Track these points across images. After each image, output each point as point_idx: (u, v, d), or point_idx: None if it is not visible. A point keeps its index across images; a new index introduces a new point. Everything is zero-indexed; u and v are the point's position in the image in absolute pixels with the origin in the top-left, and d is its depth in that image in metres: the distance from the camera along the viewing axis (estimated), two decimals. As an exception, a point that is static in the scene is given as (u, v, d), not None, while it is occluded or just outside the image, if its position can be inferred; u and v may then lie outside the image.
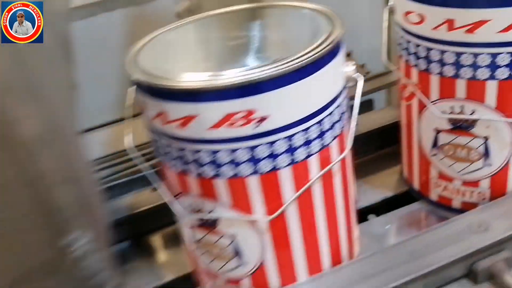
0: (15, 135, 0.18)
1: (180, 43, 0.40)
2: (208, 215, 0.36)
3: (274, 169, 0.33)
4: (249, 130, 0.32)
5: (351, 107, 0.37)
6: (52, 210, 0.15)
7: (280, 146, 0.33)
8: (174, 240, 0.50)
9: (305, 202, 0.36)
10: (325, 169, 0.35)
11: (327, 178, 0.36)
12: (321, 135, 0.34)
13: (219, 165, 0.33)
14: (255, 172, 0.33)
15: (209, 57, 0.39)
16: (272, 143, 0.32)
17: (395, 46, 0.48)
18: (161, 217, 0.52)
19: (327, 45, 0.33)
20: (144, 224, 0.52)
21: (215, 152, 0.33)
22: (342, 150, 0.37)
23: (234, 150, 0.32)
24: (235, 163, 0.33)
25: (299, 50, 0.32)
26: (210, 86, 0.31)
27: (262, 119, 0.31)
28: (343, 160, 0.37)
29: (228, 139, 0.32)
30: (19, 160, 0.16)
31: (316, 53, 0.32)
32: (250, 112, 0.31)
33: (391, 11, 0.46)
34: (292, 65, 0.31)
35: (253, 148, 0.32)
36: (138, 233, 0.52)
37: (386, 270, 0.38)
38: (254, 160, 0.33)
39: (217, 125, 0.31)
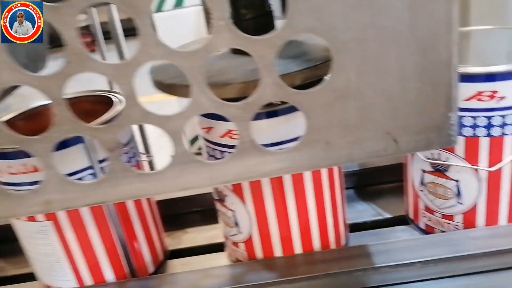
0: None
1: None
2: (443, 163, 0.53)
3: (502, 134, 0.49)
4: (490, 104, 0.48)
5: None
6: (451, 98, 0.33)
7: (510, 119, 0.48)
8: (391, 193, 0.68)
9: (518, 164, 0.50)
10: (539, 142, 0.50)
11: (537, 150, 0.50)
12: (539, 117, 0.49)
13: (463, 127, 0.50)
14: (487, 135, 0.49)
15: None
16: (504, 116, 0.48)
17: None
18: (382, 176, 0.70)
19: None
20: (369, 178, 0.71)
21: (461, 117, 0.49)
22: (552, 132, 0.51)
23: (475, 117, 0.49)
24: (474, 126, 0.49)
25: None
26: (469, 72, 0.48)
27: (501, 98, 0.47)
28: (551, 140, 0.51)
29: (472, 109, 0.48)
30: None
31: (546, 59, 0.47)
32: (494, 92, 0.47)
33: None
34: (528, 65, 0.46)
35: (489, 117, 0.48)
36: (364, 184, 0.71)
37: None
38: (489, 126, 0.49)
39: (469, 99, 0.48)
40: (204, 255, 0.65)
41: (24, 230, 0.53)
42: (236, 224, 0.55)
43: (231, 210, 0.55)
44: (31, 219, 0.51)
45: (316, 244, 0.55)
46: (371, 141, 0.33)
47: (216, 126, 0.49)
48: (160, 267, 0.62)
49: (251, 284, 0.51)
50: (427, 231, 0.59)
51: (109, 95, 0.59)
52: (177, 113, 0.32)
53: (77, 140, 0.49)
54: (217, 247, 0.65)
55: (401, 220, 0.64)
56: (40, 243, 0.53)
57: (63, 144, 0.48)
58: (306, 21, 0.29)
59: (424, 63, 0.30)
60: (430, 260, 0.50)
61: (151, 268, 0.60)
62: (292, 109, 0.46)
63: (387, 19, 0.29)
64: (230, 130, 0.48)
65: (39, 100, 0.59)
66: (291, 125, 0.47)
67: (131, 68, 0.30)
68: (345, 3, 0.29)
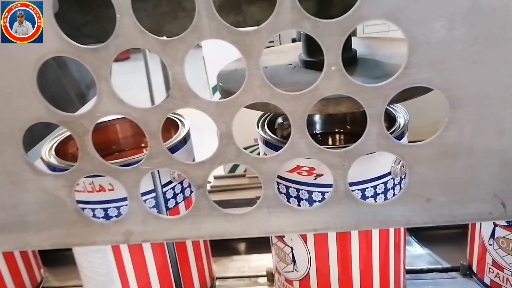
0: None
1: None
2: (520, 218, 0.50)
3: None
4: None
5: None
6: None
7: None
8: (450, 240, 0.65)
9: None
10: None
11: None
12: None
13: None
14: None
15: None
16: None
17: None
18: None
19: None
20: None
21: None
22: None
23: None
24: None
25: None
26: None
27: None
28: None
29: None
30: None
31: None
32: None
33: None
34: None
35: None
36: (422, 228, 0.68)
37: None
38: None
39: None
40: (251, 287, 0.63)
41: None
42: (294, 261, 0.53)
43: (289, 246, 0.53)
44: (91, 238, 0.50)
45: (376, 289, 0.53)
46: (476, 202, 0.31)
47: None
48: (207, 295, 0.61)
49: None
50: (492, 287, 0.56)
51: (173, 118, 0.58)
52: (272, 156, 0.31)
53: (145, 162, 0.48)
54: (264, 279, 0.64)
55: (460, 271, 0.61)
56: (96, 262, 0.52)
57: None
58: (424, 73, 0.28)
59: (547, 127, 0.28)
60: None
61: (199, 295, 0.59)
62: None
63: (512, 78, 0.27)
64: (299, 166, 0.47)
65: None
66: (362, 167, 0.45)
67: (233, 107, 0.29)
68: (469, 58, 0.27)
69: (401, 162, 0.47)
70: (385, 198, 0.48)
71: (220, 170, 1.31)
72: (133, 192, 0.32)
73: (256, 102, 0.29)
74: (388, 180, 0.47)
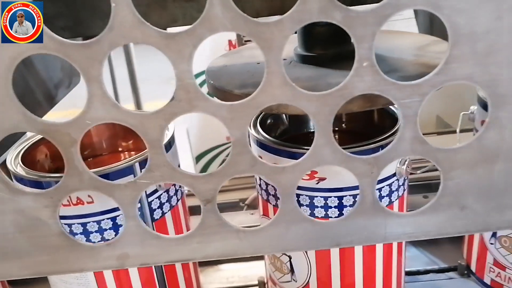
0: None
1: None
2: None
3: None
4: None
5: None
6: None
7: None
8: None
9: None
10: None
11: None
12: None
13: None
14: None
15: None
16: None
17: None
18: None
19: None
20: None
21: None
22: None
23: None
24: None
25: None
26: None
27: None
28: None
29: None
30: None
31: None
32: None
33: None
34: None
35: None
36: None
37: None
38: None
39: None
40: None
41: (59, 268, 0.47)
42: (292, 270, 0.50)
43: (287, 255, 0.49)
44: (70, 257, 0.45)
45: (379, 297, 0.50)
46: (513, 208, 0.28)
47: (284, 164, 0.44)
48: (196, 310, 0.56)
49: None
50: (493, 286, 0.54)
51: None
52: (292, 165, 0.27)
53: (129, 170, 0.44)
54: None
55: (458, 270, 0.59)
56: (74, 282, 0.47)
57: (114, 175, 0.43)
58: (467, 68, 0.25)
59: None
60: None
61: (188, 311, 0.55)
62: (370, 151, 0.42)
63: (561, 73, 0.25)
64: (300, 169, 0.43)
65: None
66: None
67: (249, 110, 0.25)
68: (516, 51, 0.24)
69: (406, 162, 0.44)
70: (390, 201, 0.45)
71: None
72: (129, 211, 0.28)
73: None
74: (393, 181, 0.45)
